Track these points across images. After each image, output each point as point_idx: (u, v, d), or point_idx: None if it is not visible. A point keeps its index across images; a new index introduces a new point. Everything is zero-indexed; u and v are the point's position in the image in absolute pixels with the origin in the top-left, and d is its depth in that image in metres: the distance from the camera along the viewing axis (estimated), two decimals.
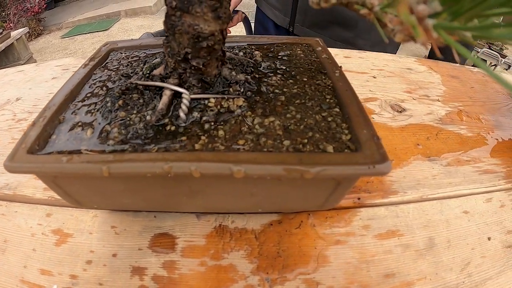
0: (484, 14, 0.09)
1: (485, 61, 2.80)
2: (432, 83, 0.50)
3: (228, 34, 0.33)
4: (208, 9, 0.19)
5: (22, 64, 0.59)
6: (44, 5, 4.21)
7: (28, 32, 3.35)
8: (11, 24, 3.56)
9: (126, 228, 0.27)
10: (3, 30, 2.46)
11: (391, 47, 0.71)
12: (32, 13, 3.92)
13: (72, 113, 0.25)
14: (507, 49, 3.01)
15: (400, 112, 0.42)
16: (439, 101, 0.46)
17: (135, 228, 0.27)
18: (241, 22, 0.90)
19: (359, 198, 0.30)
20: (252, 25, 0.93)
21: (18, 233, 0.28)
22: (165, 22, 0.21)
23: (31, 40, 3.78)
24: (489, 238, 0.28)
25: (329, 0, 0.14)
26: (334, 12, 0.64)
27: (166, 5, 0.20)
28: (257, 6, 0.83)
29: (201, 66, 0.22)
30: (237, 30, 0.85)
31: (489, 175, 0.34)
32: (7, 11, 3.64)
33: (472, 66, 0.61)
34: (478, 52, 2.81)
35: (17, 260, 0.26)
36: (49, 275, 0.25)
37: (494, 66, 2.69)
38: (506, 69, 2.54)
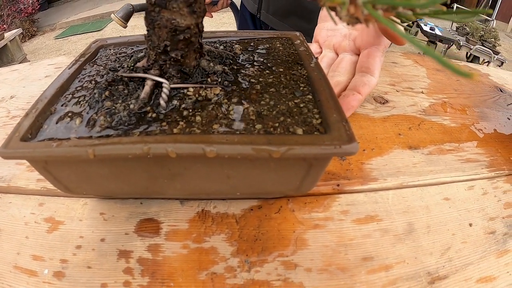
0: None
1: (478, 58, 2.83)
2: (417, 76, 0.51)
3: (211, 30, 0.35)
4: (183, 4, 0.21)
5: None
6: (38, 6, 4.22)
7: (22, 33, 3.36)
8: (4, 25, 3.56)
9: (114, 214, 0.29)
10: None
11: None
12: (26, 14, 3.93)
13: (62, 105, 0.26)
14: (500, 45, 3.03)
15: (383, 103, 0.43)
16: (423, 93, 0.47)
17: (122, 214, 0.28)
18: (231, 10, 0.93)
19: (338, 185, 0.31)
20: None
21: (12, 223, 0.29)
22: (145, 18, 0.23)
23: (25, 41, 3.79)
24: (470, 225, 0.29)
25: None
26: (294, 3, 0.68)
27: (147, 1, 0.22)
28: None
29: (179, 58, 0.23)
30: (228, 22, 0.88)
31: (472, 163, 0.35)
32: (1, 12, 3.65)
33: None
34: (471, 49, 2.84)
35: (11, 248, 0.27)
36: (41, 260, 0.26)
37: (487, 63, 2.72)
38: (499, 66, 2.56)
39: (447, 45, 3.26)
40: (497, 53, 2.77)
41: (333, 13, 0.14)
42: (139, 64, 0.25)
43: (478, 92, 0.48)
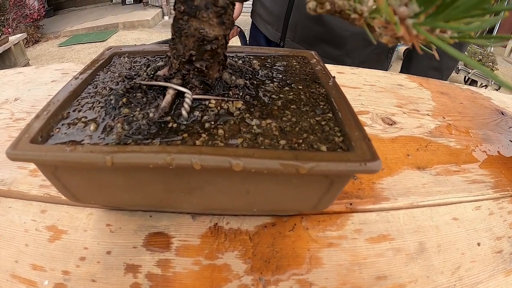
0: (458, 17, 0.11)
1: (476, 82, 2.91)
2: (422, 99, 0.52)
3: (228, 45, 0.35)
4: (213, 14, 0.21)
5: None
6: (43, 13, 4.27)
7: (26, 38, 3.37)
8: (9, 29, 3.58)
9: (121, 226, 0.27)
10: (2, 34, 2.48)
11: (378, 65, 0.74)
12: (31, 20, 3.96)
13: (75, 110, 0.26)
14: (498, 70, 3.13)
15: (391, 124, 0.44)
16: (429, 115, 0.48)
17: (130, 227, 0.27)
18: (238, 38, 0.94)
19: (351, 204, 0.31)
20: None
21: (10, 228, 0.28)
22: (172, 26, 0.23)
23: (28, 46, 3.80)
24: (478, 244, 0.29)
25: (324, 6, 0.16)
26: (323, 30, 0.67)
27: (175, 9, 0.22)
28: (252, 22, 0.86)
29: (204, 69, 0.23)
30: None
31: (478, 184, 0.35)
32: (7, 15, 3.67)
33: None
34: (469, 73, 2.92)
35: (9, 255, 0.26)
36: (41, 270, 0.25)
37: (485, 87, 2.80)
38: (497, 90, 2.64)
39: None
40: None
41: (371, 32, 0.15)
42: (160, 73, 0.25)
43: (481, 115, 0.50)
